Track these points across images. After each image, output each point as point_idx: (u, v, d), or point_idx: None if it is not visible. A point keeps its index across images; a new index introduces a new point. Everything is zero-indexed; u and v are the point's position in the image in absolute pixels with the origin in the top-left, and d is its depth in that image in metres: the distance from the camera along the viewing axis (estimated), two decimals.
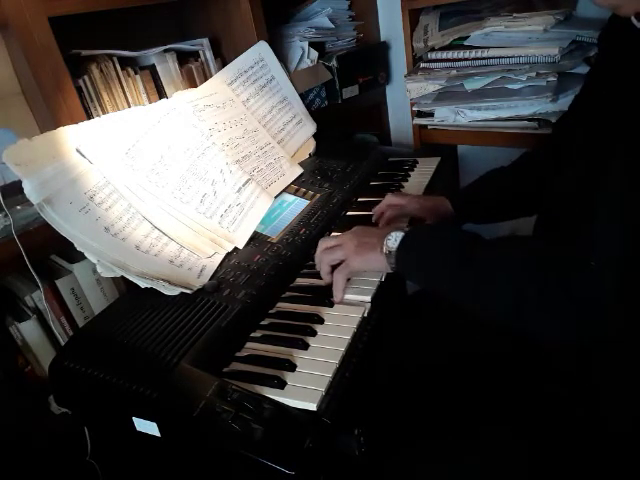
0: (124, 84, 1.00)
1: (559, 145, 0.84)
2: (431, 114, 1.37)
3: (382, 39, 1.57)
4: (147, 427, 0.60)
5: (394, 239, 0.72)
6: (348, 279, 0.77)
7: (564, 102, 1.15)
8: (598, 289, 0.53)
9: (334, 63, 1.37)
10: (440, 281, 0.69)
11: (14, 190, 0.76)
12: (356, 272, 0.77)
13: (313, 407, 0.58)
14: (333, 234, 0.84)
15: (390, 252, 0.71)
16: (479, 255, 0.64)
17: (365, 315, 0.72)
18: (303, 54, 1.33)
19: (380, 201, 1.03)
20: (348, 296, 0.75)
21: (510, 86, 1.21)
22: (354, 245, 0.75)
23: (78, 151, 0.78)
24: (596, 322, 0.55)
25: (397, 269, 0.72)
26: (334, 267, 0.77)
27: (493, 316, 0.66)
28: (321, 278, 0.80)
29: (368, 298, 0.75)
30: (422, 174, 1.14)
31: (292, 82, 1.23)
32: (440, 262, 0.68)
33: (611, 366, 0.65)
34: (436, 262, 0.69)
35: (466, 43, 1.25)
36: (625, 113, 0.59)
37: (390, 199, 0.94)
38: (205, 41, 1.17)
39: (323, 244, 0.80)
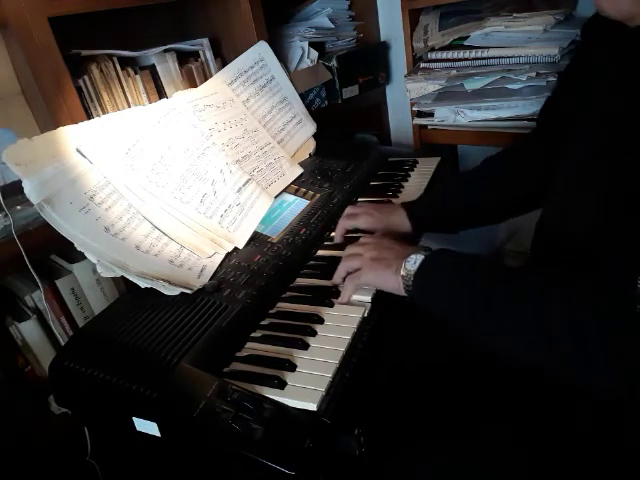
0: (124, 84, 1.00)
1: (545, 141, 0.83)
2: (431, 114, 1.37)
3: (382, 39, 1.57)
4: (147, 427, 0.60)
5: (413, 261, 0.67)
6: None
7: None
8: None
9: (334, 63, 1.37)
10: (459, 315, 0.63)
11: (14, 190, 0.76)
12: (365, 284, 0.74)
13: (313, 407, 0.58)
14: (362, 239, 0.80)
15: (408, 275, 0.67)
16: (507, 285, 0.59)
17: (365, 315, 0.72)
18: (303, 54, 1.33)
19: (380, 201, 1.03)
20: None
21: (510, 86, 1.21)
22: (371, 257, 0.73)
23: (78, 151, 0.78)
24: None
25: (412, 294, 0.67)
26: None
27: (519, 362, 0.60)
28: (322, 278, 0.80)
29: (368, 298, 0.75)
30: (422, 174, 1.14)
31: (292, 82, 1.23)
32: (460, 295, 0.62)
33: None
34: (458, 296, 0.63)
35: (466, 43, 1.25)
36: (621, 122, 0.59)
37: (347, 209, 0.93)
38: (205, 41, 1.17)
39: (348, 250, 0.77)
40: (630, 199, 0.56)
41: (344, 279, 0.76)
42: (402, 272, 0.67)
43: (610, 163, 0.62)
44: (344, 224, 0.91)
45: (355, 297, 0.75)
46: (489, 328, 0.60)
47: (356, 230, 0.91)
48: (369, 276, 0.72)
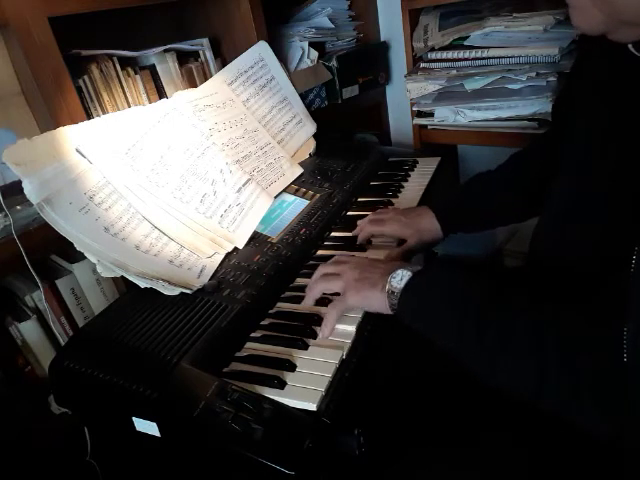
0: (124, 84, 1.00)
1: (552, 146, 0.83)
2: (431, 114, 1.37)
3: (382, 39, 1.57)
4: (147, 427, 0.60)
5: (400, 277, 0.64)
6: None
7: None
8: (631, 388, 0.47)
9: (334, 63, 1.37)
10: (448, 339, 0.60)
11: (14, 190, 0.76)
12: (351, 309, 0.70)
13: (313, 407, 0.58)
14: (335, 257, 0.76)
15: (393, 292, 0.64)
16: (500, 319, 0.56)
17: (365, 315, 0.72)
18: (303, 54, 1.33)
19: (380, 201, 1.03)
20: (337, 326, 0.69)
21: (510, 86, 1.21)
22: (354, 279, 0.68)
23: (78, 151, 0.78)
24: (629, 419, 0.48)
25: (398, 313, 0.64)
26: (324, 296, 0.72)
27: (511, 391, 0.58)
28: None
29: (353, 328, 0.69)
30: (422, 174, 1.14)
31: (292, 82, 1.23)
32: (450, 318, 0.59)
33: None
34: (446, 317, 0.60)
35: (466, 43, 1.25)
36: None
37: (372, 215, 0.90)
38: (205, 41, 1.17)
39: (322, 269, 0.74)
40: (627, 207, 0.57)
41: (316, 302, 0.73)
42: (387, 288, 0.64)
43: (607, 175, 0.62)
44: (370, 230, 0.88)
45: (338, 326, 0.69)
46: (480, 360, 0.58)
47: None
48: (355, 299, 0.68)
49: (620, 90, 0.66)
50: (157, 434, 0.60)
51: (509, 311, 0.57)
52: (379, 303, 0.66)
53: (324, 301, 0.75)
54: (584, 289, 0.61)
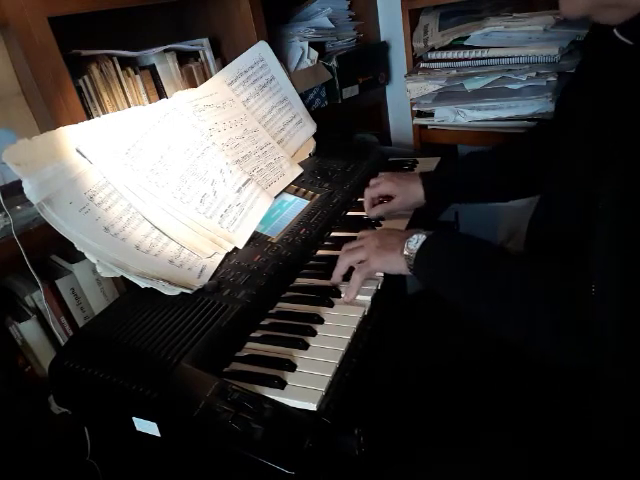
0: (124, 84, 1.00)
1: (548, 139, 0.84)
2: (431, 114, 1.37)
3: (382, 39, 1.57)
4: (147, 427, 0.60)
5: (415, 241, 0.71)
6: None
7: None
8: (600, 322, 0.53)
9: (334, 63, 1.37)
10: (455, 290, 0.68)
11: (14, 190, 0.76)
12: (375, 272, 0.77)
13: (313, 407, 0.58)
14: (359, 234, 0.84)
15: (410, 254, 0.71)
16: (500, 271, 0.64)
17: (365, 315, 0.72)
18: (303, 54, 1.33)
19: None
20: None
21: (510, 86, 1.21)
22: (375, 246, 0.75)
23: (78, 151, 0.78)
24: (598, 351, 0.54)
25: (415, 272, 0.71)
26: (350, 269, 0.77)
27: (504, 332, 0.65)
28: (322, 278, 0.80)
29: (368, 298, 0.75)
30: None
31: (292, 82, 1.23)
32: (458, 271, 0.68)
33: (610, 384, 0.64)
34: (454, 270, 0.68)
35: (466, 43, 1.25)
36: (615, 126, 0.59)
37: (370, 181, 1.00)
38: (205, 41, 1.17)
39: (347, 246, 0.80)
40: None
41: (343, 278, 0.77)
42: (405, 252, 0.71)
43: (590, 164, 0.63)
44: (369, 193, 0.98)
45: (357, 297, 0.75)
46: (483, 295, 0.65)
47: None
48: (377, 262, 0.74)
49: (604, 76, 0.66)
50: (157, 434, 0.60)
51: (505, 265, 0.65)
52: (399, 265, 0.73)
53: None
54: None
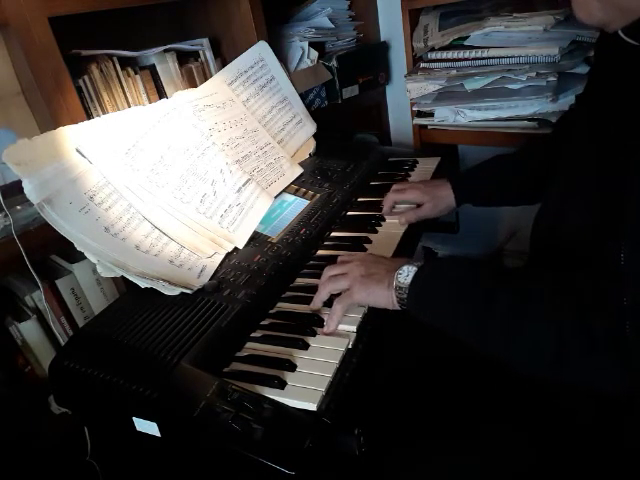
0: (124, 84, 1.00)
1: (558, 146, 0.84)
2: (431, 114, 1.37)
3: (382, 39, 1.57)
4: (147, 427, 0.60)
5: (406, 273, 0.66)
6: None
7: (564, 102, 1.15)
8: (634, 337, 0.49)
9: (334, 63, 1.37)
10: (461, 325, 0.62)
11: (14, 190, 0.76)
12: (357, 304, 0.71)
13: (313, 407, 0.58)
14: (340, 258, 0.78)
15: (401, 288, 0.65)
16: (508, 296, 0.58)
17: (365, 314, 0.72)
18: (303, 54, 1.33)
19: (380, 201, 1.03)
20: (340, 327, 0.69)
21: (510, 86, 1.21)
22: (360, 274, 0.70)
23: (78, 151, 0.78)
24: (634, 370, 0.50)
25: (408, 307, 0.66)
26: (333, 296, 0.72)
27: (527, 366, 0.60)
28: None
29: (353, 328, 0.70)
30: (422, 174, 1.14)
31: (292, 82, 1.23)
32: (461, 307, 0.61)
33: None
34: (456, 306, 0.62)
35: (466, 43, 1.25)
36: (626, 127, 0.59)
37: (394, 186, 0.99)
38: (205, 41, 1.17)
39: (329, 271, 0.74)
40: (613, 205, 0.57)
41: (324, 304, 0.73)
42: (395, 285, 0.66)
43: (596, 169, 0.63)
44: (393, 198, 0.97)
45: (340, 327, 0.70)
46: (494, 332, 0.59)
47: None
48: (361, 295, 0.69)
49: (611, 77, 0.66)
50: (157, 434, 0.60)
51: (517, 282, 0.60)
52: (385, 299, 0.67)
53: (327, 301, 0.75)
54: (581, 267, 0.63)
